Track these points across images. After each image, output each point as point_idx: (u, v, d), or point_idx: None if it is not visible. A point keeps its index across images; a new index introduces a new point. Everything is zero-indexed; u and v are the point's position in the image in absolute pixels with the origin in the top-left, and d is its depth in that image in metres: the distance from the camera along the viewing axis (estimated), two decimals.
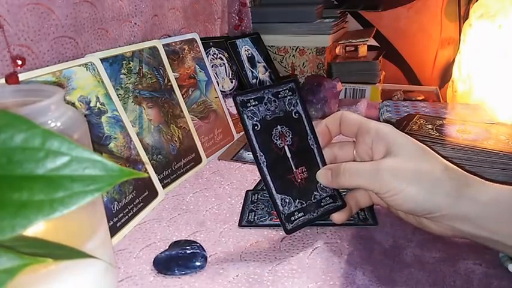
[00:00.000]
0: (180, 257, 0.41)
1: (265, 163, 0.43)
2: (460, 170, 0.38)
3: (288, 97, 0.45)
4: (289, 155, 0.44)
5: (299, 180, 0.44)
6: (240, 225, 0.47)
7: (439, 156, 0.39)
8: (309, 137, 0.45)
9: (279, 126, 0.44)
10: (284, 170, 0.43)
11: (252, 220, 0.48)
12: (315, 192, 0.44)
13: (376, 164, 0.38)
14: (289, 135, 0.44)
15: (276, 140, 0.44)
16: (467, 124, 0.65)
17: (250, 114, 0.43)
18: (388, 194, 0.38)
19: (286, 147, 0.44)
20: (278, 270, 0.40)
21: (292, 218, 0.43)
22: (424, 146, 0.39)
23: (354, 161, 0.45)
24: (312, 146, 0.45)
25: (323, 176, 0.44)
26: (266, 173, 0.43)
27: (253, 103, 0.43)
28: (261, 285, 0.39)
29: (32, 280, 0.27)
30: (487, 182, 0.37)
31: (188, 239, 0.46)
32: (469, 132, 0.62)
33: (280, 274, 0.40)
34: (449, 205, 0.36)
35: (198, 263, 0.41)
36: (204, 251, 0.42)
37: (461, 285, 0.38)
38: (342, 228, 0.46)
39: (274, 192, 0.43)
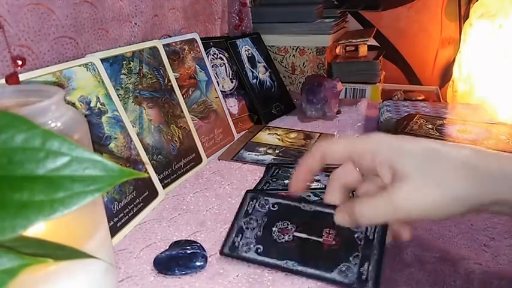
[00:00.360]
0: (180, 257, 0.41)
1: None
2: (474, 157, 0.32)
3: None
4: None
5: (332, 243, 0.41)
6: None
7: (450, 152, 0.33)
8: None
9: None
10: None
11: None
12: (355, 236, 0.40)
13: (389, 198, 0.33)
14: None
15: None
16: (468, 124, 0.65)
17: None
18: (418, 218, 0.33)
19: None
20: (278, 270, 0.40)
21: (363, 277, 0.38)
22: (427, 145, 0.34)
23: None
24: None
25: (342, 221, 0.36)
26: None
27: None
28: (261, 285, 0.39)
29: (33, 280, 0.27)
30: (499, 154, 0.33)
31: (188, 239, 0.46)
32: (470, 132, 0.62)
33: (280, 274, 0.40)
34: (482, 196, 0.31)
35: (198, 263, 0.41)
36: (204, 251, 0.42)
37: (461, 285, 0.38)
38: None
39: None
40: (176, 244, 0.43)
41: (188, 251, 0.42)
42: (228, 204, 0.53)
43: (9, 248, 0.19)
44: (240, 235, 0.42)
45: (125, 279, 0.40)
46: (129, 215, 0.48)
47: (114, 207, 0.46)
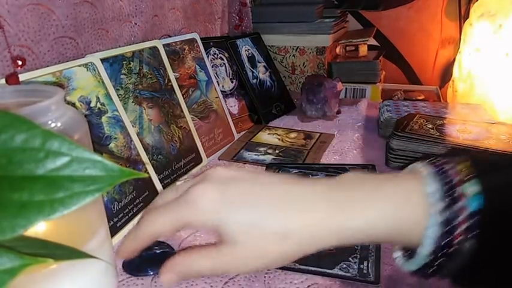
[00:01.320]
0: (151, 258, 0.41)
1: None
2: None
3: None
4: None
5: None
6: None
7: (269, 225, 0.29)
8: None
9: None
10: None
11: None
12: None
13: (218, 257, 0.30)
14: None
15: None
16: (468, 124, 0.65)
17: None
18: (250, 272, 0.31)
19: None
20: (278, 268, 0.40)
21: None
22: (248, 217, 0.29)
23: None
24: None
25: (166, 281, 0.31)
26: None
27: None
28: (260, 283, 0.39)
29: (33, 280, 0.27)
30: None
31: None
32: (470, 131, 0.62)
33: (280, 271, 0.40)
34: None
35: None
36: (173, 250, 0.43)
37: None
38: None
39: None
40: None
41: (157, 251, 0.42)
42: None
43: (9, 248, 0.19)
44: None
45: (125, 279, 0.40)
46: (129, 215, 0.48)
47: (114, 207, 0.46)
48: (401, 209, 0.27)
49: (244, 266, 0.30)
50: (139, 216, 0.49)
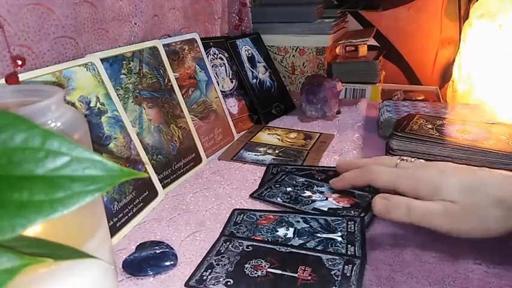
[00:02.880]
0: (150, 258, 0.41)
1: None
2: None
3: None
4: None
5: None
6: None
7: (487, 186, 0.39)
8: None
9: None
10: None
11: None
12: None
13: (437, 204, 0.41)
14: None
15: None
16: (468, 124, 0.65)
17: None
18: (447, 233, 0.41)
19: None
20: None
21: None
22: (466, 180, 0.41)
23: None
24: None
25: (379, 206, 0.43)
26: None
27: None
28: None
29: (32, 280, 0.27)
30: None
31: (154, 239, 0.45)
32: (469, 132, 0.62)
33: None
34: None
35: (170, 262, 0.41)
36: (173, 249, 0.43)
37: (460, 284, 0.38)
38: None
39: None
40: (142, 246, 0.43)
41: (157, 251, 0.42)
42: (227, 204, 0.53)
43: (8, 248, 0.19)
44: (210, 270, 0.40)
45: (125, 279, 0.40)
46: (129, 215, 0.48)
47: (113, 207, 0.46)
48: None
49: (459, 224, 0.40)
50: (140, 215, 0.49)
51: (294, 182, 0.57)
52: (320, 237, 0.44)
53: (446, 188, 0.41)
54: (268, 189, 0.55)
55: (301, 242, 0.44)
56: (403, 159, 0.48)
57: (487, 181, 0.40)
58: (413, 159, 0.48)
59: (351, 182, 0.51)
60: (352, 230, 0.45)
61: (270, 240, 0.44)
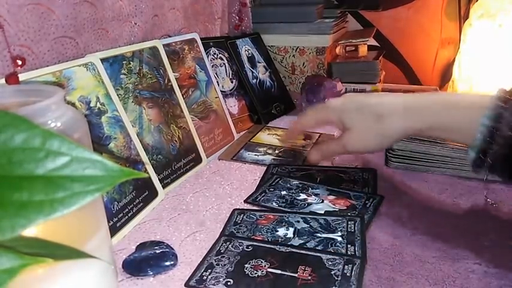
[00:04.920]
0: (150, 258, 0.41)
1: None
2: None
3: None
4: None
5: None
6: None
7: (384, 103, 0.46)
8: None
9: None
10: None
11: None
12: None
13: (341, 142, 0.49)
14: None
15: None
16: None
17: None
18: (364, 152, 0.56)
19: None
20: None
21: None
22: (362, 99, 0.48)
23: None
24: None
25: (314, 157, 0.53)
26: None
27: None
28: None
29: (32, 280, 0.27)
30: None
31: (154, 240, 0.45)
32: None
33: None
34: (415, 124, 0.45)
35: (170, 262, 0.41)
36: (173, 249, 0.43)
37: (460, 284, 0.38)
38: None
39: None
40: (142, 246, 0.43)
41: (157, 251, 0.42)
42: (227, 204, 0.53)
43: (8, 248, 0.19)
44: (210, 270, 0.40)
45: (125, 279, 0.40)
46: (129, 215, 0.48)
47: (113, 207, 0.46)
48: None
49: (358, 144, 0.48)
50: (140, 215, 0.49)
51: (289, 185, 0.56)
52: (320, 237, 0.44)
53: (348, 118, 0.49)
54: (263, 194, 0.55)
55: (301, 241, 0.44)
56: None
57: (372, 101, 0.47)
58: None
59: (308, 124, 0.54)
60: (352, 230, 0.45)
61: (270, 240, 0.44)
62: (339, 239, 0.44)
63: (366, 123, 0.46)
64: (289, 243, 0.44)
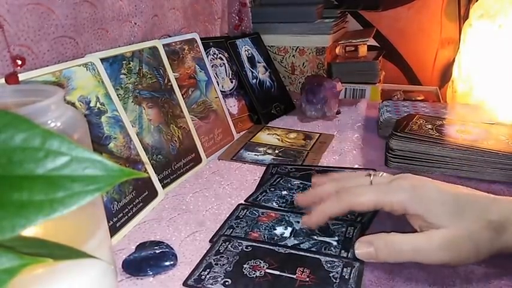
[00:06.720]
0: (150, 258, 0.41)
1: None
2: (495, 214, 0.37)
3: None
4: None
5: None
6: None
7: (475, 206, 0.38)
8: None
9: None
10: None
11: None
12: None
13: (429, 237, 0.37)
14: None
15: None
16: (467, 124, 0.65)
17: None
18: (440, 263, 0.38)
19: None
20: None
21: None
22: (454, 197, 0.39)
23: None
24: None
25: (364, 254, 0.39)
26: None
27: None
28: None
29: (32, 280, 0.27)
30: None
31: (154, 239, 0.45)
32: (469, 132, 0.62)
33: None
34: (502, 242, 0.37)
35: (170, 262, 0.41)
36: (173, 249, 0.43)
37: (460, 285, 0.38)
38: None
39: None
40: (142, 246, 0.43)
41: (157, 251, 0.42)
42: (227, 204, 0.53)
43: (8, 248, 0.19)
44: (208, 270, 0.40)
45: (125, 279, 0.40)
46: (129, 215, 0.48)
47: (113, 207, 0.46)
48: None
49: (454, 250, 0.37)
50: (140, 215, 0.49)
51: (289, 185, 0.56)
52: (316, 239, 0.44)
53: (434, 212, 0.38)
54: (263, 194, 0.54)
55: (295, 242, 0.44)
56: (374, 175, 0.44)
57: (474, 203, 0.38)
58: (381, 174, 0.44)
59: (328, 212, 0.42)
60: (350, 236, 0.45)
61: (266, 237, 0.45)
62: (334, 243, 0.44)
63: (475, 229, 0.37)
64: (283, 242, 0.44)
